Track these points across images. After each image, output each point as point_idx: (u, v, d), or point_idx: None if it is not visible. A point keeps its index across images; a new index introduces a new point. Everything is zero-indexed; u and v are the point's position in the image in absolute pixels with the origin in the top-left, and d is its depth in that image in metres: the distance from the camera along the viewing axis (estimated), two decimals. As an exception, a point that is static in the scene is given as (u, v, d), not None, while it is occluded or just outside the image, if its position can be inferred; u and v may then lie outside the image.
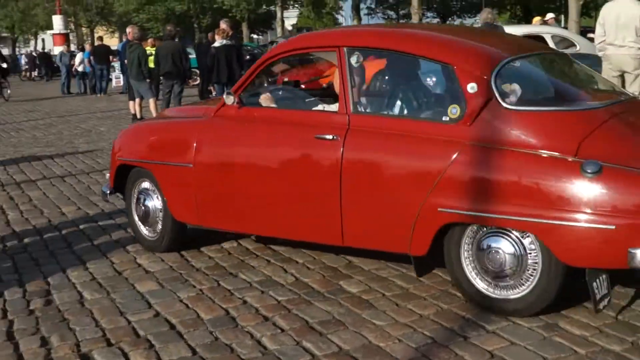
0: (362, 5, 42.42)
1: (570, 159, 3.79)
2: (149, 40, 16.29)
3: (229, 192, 4.94)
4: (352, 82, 4.52)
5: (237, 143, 4.91)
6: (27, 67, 41.62)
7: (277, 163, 4.71)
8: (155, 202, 5.55)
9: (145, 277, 5.07)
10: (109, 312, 4.41)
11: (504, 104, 4.02)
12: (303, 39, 5.27)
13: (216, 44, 13.93)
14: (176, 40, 14.02)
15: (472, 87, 4.08)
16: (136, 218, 5.71)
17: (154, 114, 13.96)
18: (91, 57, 24.30)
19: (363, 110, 4.56)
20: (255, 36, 56.20)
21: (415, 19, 36.78)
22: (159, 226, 5.55)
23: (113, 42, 55.73)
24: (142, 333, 4.09)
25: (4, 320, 4.37)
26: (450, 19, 53.31)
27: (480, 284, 4.16)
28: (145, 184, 5.59)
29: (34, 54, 44.45)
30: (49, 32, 51.74)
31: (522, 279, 4.00)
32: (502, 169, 3.88)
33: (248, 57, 23.10)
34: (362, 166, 4.34)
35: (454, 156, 4.01)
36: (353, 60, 4.55)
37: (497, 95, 4.04)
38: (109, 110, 18.63)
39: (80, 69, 25.64)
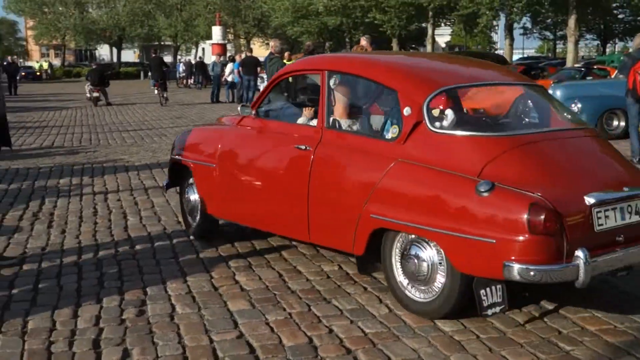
0: (515, 25, 41.18)
1: (471, 178, 4.27)
2: (285, 54, 16.51)
3: (237, 190, 5.85)
4: (329, 102, 5.28)
5: (244, 148, 5.85)
6: (184, 74, 43.46)
7: (268, 167, 5.59)
8: (195, 196, 6.42)
9: (239, 295, 5.02)
10: (195, 329, 4.39)
11: (431, 127, 4.63)
12: (301, 63, 6.04)
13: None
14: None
15: (407, 111, 4.74)
16: (185, 208, 6.68)
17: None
18: (240, 68, 25.01)
19: (333, 126, 5.26)
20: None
21: (571, 40, 35.41)
22: (197, 217, 6.45)
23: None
24: (221, 355, 4.03)
25: (95, 328, 4.44)
26: (611, 42, 51.01)
27: (407, 288, 4.70)
28: (191, 180, 6.49)
29: (191, 61, 46.35)
30: (208, 41, 53.94)
31: (433, 285, 4.55)
32: (420, 183, 4.50)
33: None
34: (324, 174, 5.11)
35: (387, 170, 4.68)
36: (331, 82, 5.29)
37: (426, 119, 4.65)
38: (250, 120, 19.04)
39: (229, 78, 26.49)
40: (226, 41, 54.39)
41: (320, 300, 4.91)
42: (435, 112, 4.80)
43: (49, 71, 67.53)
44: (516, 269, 4.00)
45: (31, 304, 4.88)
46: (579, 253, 4.03)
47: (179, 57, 68.11)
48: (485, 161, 4.36)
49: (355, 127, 5.33)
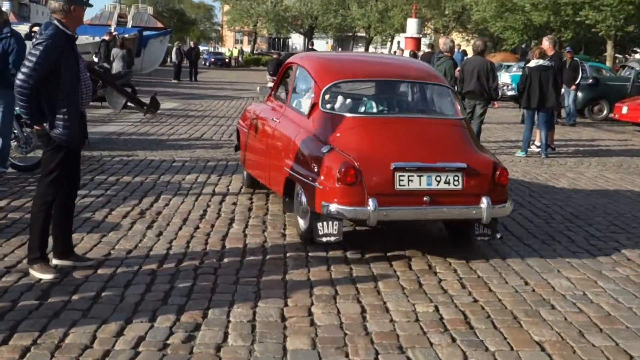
0: None
1: (324, 143, 6.63)
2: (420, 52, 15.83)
3: (250, 147, 8.63)
4: (293, 86, 7.99)
5: (258, 119, 8.49)
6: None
7: (262, 132, 8.17)
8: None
9: (306, 330, 4.67)
10: (234, 367, 4.10)
11: (322, 108, 7.03)
12: (292, 57, 8.81)
13: (530, 64, 13.08)
14: (484, 56, 13.38)
15: (313, 95, 7.27)
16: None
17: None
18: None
19: (290, 104, 7.79)
20: (619, 56, 52.89)
21: None
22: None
23: (469, 49, 56.50)
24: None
25: (131, 351, 4.28)
26: None
27: (300, 218, 6.90)
28: None
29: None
30: (403, 34, 53.82)
31: (305, 217, 6.79)
32: (304, 146, 6.83)
33: (590, 80, 21.85)
34: (275, 137, 7.66)
35: (296, 135, 7.09)
36: (296, 72, 8.06)
37: (320, 102, 7.06)
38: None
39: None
40: (420, 35, 53.88)
41: (393, 349, 4.45)
42: (334, 97, 7.40)
43: (239, 58, 70.48)
44: (326, 207, 6.27)
45: (83, 314, 4.82)
46: (370, 201, 6.17)
47: (374, 49, 68.50)
48: (339, 132, 6.74)
49: (296, 105, 7.73)
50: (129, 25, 43.98)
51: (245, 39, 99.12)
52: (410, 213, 6.37)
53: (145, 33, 34.62)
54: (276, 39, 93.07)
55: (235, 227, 7.30)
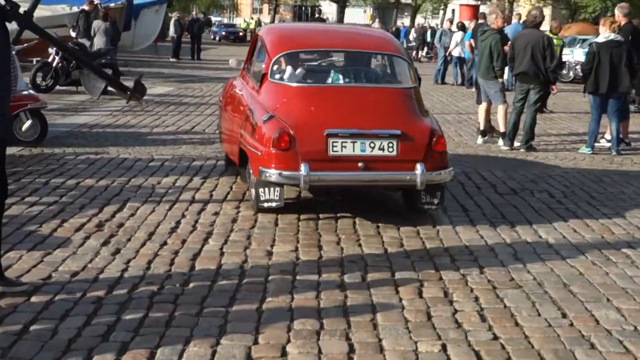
0: None
1: (266, 113, 8.26)
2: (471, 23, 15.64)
3: (222, 124, 10.37)
4: (256, 59, 9.70)
5: (228, 93, 10.41)
6: (414, 43, 43.51)
7: (229, 107, 9.98)
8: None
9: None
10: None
11: (270, 79, 8.67)
12: (260, 31, 10.63)
13: (599, 39, 12.89)
14: (541, 29, 13.21)
15: (265, 64, 8.87)
16: None
17: (501, 126, 13.42)
18: (472, 40, 24.30)
19: (252, 77, 9.54)
20: None
21: None
22: None
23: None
24: None
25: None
26: None
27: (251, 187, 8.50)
28: None
29: (426, 27, 46.30)
30: (456, 1, 53.63)
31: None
32: (252, 116, 8.54)
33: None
34: (237, 111, 9.42)
35: (249, 106, 8.80)
36: (258, 45, 9.74)
37: (269, 72, 8.70)
38: (465, 111, 18.50)
39: (455, 53, 25.92)
40: (479, 2, 53.65)
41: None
42: (283, 67, 9.13)
43: (255, 31, 70.39)
44: (263, 172, 7.90)
45: (1, 354, 4.78)
46: (302, 166, 7.75)
47: (419, 21, 68.16)
48: (282, 101, 8.42)
49: (254, 77, 9.30)
50: (122, -9, 44.14)
51: (265, 7, 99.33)
52: (343, 177, 8.03)
53: (136, 1, 34.65)
54: (302, 7, 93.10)
55: (211, 243, 7.26)
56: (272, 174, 7.86)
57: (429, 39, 40.96)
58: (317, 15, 32.09)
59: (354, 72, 9.41)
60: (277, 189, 8.05)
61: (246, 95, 9.23)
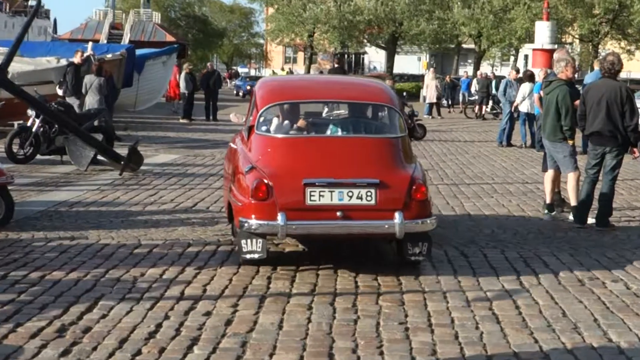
0: None
1: (249, 163, 9.98)
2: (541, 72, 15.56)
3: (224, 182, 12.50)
4: (250, 112, 11.21)
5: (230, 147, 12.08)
6: (476, 96, 43.50)
7: (227, 161, 12.19)
8: None
9: None
10: None
11: (257, 131, 10.34)
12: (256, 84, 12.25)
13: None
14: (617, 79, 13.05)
15: (252, 116, 10.67)
16: None
17: (572, 198, 13.22)
18: (541, 93, 24.18)
19: (245, 130, 11.18)
20: None
21: None
22: None
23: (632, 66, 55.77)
24: None
25: None
26: None
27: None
28: None
29: (491, 76, 46.38)
30: (529, 45, 53.86)
31: None
32: (237, 168, 10.36)
33: None
34: (230, 164, 11.37)
35: (237, 159, 10.60)
36: (252, 98, 11.50)
37: (256, 123, 10.41)
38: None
39: (523, 109, 25.83)
40: (556, 44, 53.63)
41: None
42: (270, 119, 10.88)
43: (288, 84, 71.09)
44: (242, 223, 9.43)
45: None
46: (279, 216, 9.24)
47: (483, 70, 68.26)
48: (265, 152, 10.09)
49: (246, 130, 10.91)
50: (125, 40, 44.51)
51: (300, 55, 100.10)
52: (320, 227, 9.53)
53: (140, 52, 35.06)
54: (345, 55, 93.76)
55: (196, 352, 7.13)
56: (252, 224, 9.37)
57: (493, 91, 40.89)
58: (336, 65, 32.31)
59: (341, 123, 11.09)
60: (260, 240, 9.48)
61: (239, 149, 10.83)
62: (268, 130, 10.54)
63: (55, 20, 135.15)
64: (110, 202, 14.60)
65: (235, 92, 70.94)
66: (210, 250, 10.89)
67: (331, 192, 9.36)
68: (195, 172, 19.03)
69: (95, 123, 19.18)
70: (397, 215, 9.17)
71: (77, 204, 14.21)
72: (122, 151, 17.28)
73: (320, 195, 9.33)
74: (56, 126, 18.34)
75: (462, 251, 11.02)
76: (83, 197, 15.01)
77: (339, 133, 10.70)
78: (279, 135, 10.47)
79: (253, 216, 9.34)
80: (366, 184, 9.36)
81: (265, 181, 9.38)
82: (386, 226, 9.28)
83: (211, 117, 36.87)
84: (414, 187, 9.41)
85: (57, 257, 10.28)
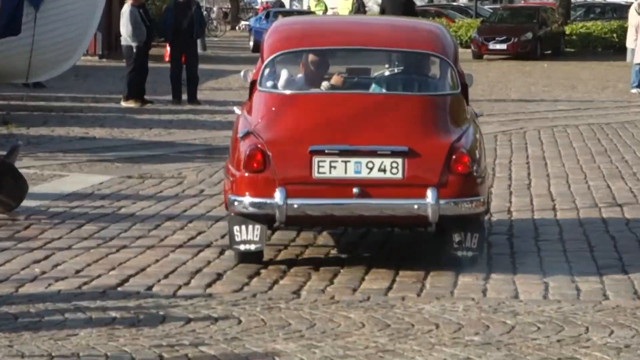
0: None
1: (246, 127, 8.55)
2: None
3: None
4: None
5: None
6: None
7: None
8: None
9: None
10: None
11: (259, 87, 8.85)
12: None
13: None
14: None
15: (256, 69, 9.06)
16: None
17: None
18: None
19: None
20: None
21: None
22: None
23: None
24: None
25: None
26: None
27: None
28: None
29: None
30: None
31: None
32: (233, 133, 8.94)
33: None
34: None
35: (237, 121, 9.17)
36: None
37: (259, 78, 8.86)
38: None
39: None
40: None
41: None
42: (277, 72, 9.15)
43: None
44: (231, 202, 7.96)
45: None
46: (277, 193, 7.75)
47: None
48: (267, 113, 8.59)
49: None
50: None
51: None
52: (331, 207, 7.91)
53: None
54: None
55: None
56: (243, 202, 7.85)
57: None
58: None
59: (368, 77, 9.43)
60: (257, 226, 7.91)
61: (241, 114, 9.18)
62: (275, 87, 8.92)
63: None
64: None
65: (249, 41, 49.73)
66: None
67: (345, 162, 7.85)
68: (140, 214, 11.32)
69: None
70: (429, 192, 7.65)
71: None
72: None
73: (331, 167, 7.80)
74: None
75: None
76: None
77: (362, 89, 9.23)
78: (287, 92, 8.89)
79: (247, 193, 7.83)
80: (391, 152, 7.82)
81: (262, 148, 7.87)
82: (415, 206, 7.77)
83: (185, 97, 22.90)
84: (453, 157, 7.80)
85: None
